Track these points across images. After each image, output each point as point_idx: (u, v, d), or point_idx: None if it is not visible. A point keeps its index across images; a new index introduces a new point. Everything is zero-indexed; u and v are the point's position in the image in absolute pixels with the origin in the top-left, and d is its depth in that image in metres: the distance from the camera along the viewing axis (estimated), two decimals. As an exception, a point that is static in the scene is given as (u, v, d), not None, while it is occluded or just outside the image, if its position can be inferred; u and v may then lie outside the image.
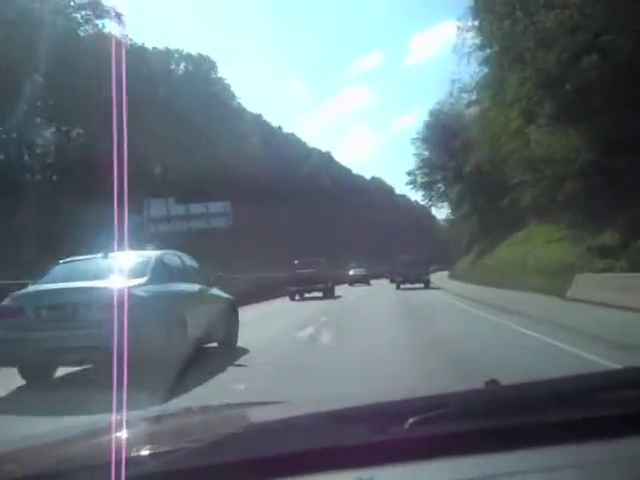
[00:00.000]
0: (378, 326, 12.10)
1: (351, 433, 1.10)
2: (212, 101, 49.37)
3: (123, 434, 1.25)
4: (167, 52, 49.81)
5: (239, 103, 58.36)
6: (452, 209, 46.40)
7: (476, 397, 1.29)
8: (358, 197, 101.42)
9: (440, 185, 41.15)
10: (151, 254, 7.56)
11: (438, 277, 39.76)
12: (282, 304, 22.00)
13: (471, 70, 34.35)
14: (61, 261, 7.57)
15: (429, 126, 41.24)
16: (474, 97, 34.49)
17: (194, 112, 46.06)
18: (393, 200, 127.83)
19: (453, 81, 35.52)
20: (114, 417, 1.51)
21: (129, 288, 5.95)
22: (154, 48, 47.57)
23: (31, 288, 6.80)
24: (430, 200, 42.36)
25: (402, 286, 27.98)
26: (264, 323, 14.05)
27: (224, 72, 53.42)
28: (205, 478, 0.99)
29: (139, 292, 6.36)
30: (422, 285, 28.04)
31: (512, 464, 1.01)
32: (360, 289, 32.52)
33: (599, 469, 1.02)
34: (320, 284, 24.46)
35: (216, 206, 31.00)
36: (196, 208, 31.22)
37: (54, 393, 6.08)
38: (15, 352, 6.14)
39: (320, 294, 24.58)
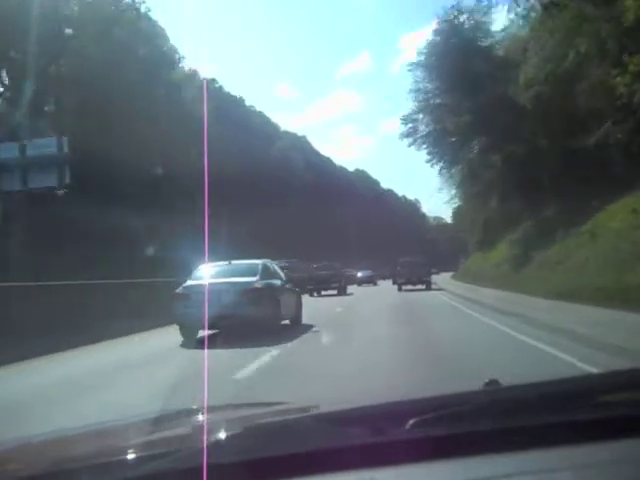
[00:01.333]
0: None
1: (351, 434, 1.10)
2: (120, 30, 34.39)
3: (124, 435, 1.36)
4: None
5: (172, 48, 43.08)
6: (467, 178, 31.13)
7: (476, 398, 1.25)
8: (341, 190, 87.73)
9: (454, 139, 25.82)
10: (257, 261, 11.36)
11: (447, 281, 35.76)
12: (306, 299, 22.98)
13: None
14: (200, 266, 10.96)
15: (437, 46, 26.02)
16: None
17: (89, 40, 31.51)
18: (379, 194, 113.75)
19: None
20: (115, 418, 1.67)
21: (250, 282, 10.27)
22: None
23: (189, 282, 10.52)
24: (440, 161, 27.04)
25: (404, 287, 27.00)
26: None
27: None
28: (205, 479, 0.98)
29: (256, 284, 10.33)
30: (424, 286, 27.04)
31: (512, 465, 1.00)
32: (368, 289, 34.50)
33: (598, 471, 1.01)
34: (335, 283, 28.15)
35: (41, 146, 15.91)
36: (5, 151, 16.19)
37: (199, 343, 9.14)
38: (186, 320, 9.88)
39: (335, 292, 27.88)
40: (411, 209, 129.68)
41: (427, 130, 26.19)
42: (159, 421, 1.50)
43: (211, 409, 1.73)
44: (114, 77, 31.82)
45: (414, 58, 27.14)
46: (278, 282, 11.37)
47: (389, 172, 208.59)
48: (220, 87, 61.84)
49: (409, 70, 26.98)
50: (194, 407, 1.72)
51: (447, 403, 1.17)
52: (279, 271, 12.11)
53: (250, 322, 9.49)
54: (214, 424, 1.36)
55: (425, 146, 26.67)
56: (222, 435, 1.13)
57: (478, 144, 26.03)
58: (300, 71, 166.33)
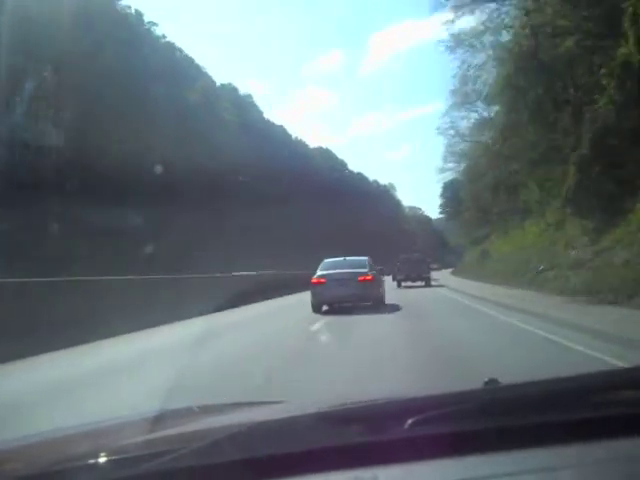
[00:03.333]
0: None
1: (351, 433, 1.09)
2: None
3: (123, 434, 1.34)
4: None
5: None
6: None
7: (476, 397, 1.25)
8: (295, 164, 69.08)
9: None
10: (364, 258, 15.74)
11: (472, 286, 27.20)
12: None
13: None
14: (325, 260, 15.71)
15: None
16: None
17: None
18: (345, 176, 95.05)
19: None
20: (115, 417, 1.67)
21: (364, 272, 14.42)
22: None
23: (319, 273, 14.73)
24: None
25: (403, 284, 28.23)
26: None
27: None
28: (205, 478, 0.98)
29: (369, 274, 14.53)
30: (423, 283, 28.06)
31: (512, 464, 1.01)
32: None
33: (598, 469, 1.01)
34: None
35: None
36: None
37: (322, 314, 13.79)
38: (320, 297, 14.37)
39: None
40: (385, 196, 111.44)
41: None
42: (159, 420, 1.49)
43: (210, 408, 1.78)
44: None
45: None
46: (375, 271, 15.30)
47: (361, 161, 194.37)
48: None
49: None
50: (194, 406, 1.71)
51: (447, 402, 1.16)
52: (374, 264, 15.87)
53: (363, 300, 14.00)
54: (214, 423, 1.40)
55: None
56: (222, 434, 1.12)
57: None
58: (268, 67, 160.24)
